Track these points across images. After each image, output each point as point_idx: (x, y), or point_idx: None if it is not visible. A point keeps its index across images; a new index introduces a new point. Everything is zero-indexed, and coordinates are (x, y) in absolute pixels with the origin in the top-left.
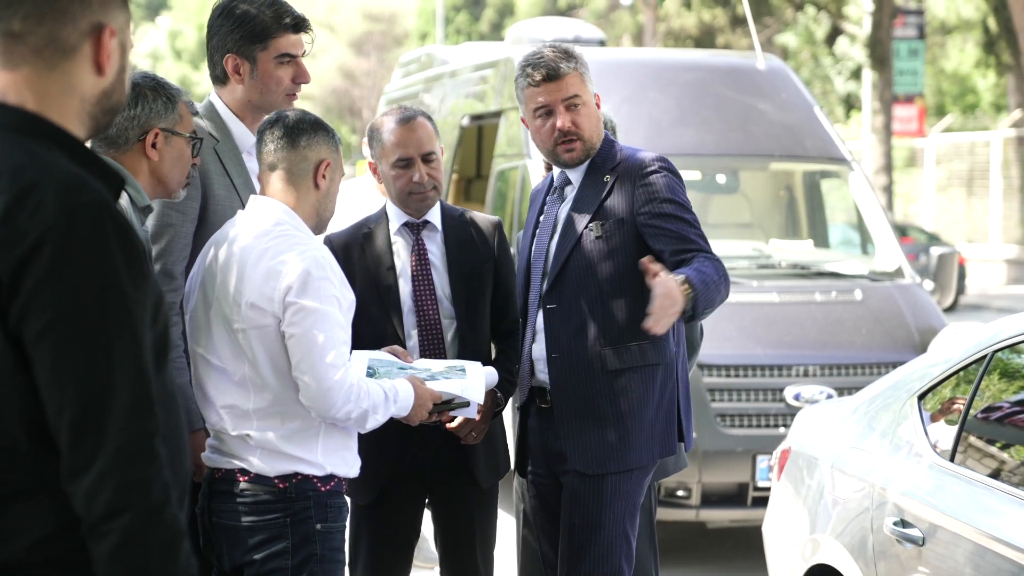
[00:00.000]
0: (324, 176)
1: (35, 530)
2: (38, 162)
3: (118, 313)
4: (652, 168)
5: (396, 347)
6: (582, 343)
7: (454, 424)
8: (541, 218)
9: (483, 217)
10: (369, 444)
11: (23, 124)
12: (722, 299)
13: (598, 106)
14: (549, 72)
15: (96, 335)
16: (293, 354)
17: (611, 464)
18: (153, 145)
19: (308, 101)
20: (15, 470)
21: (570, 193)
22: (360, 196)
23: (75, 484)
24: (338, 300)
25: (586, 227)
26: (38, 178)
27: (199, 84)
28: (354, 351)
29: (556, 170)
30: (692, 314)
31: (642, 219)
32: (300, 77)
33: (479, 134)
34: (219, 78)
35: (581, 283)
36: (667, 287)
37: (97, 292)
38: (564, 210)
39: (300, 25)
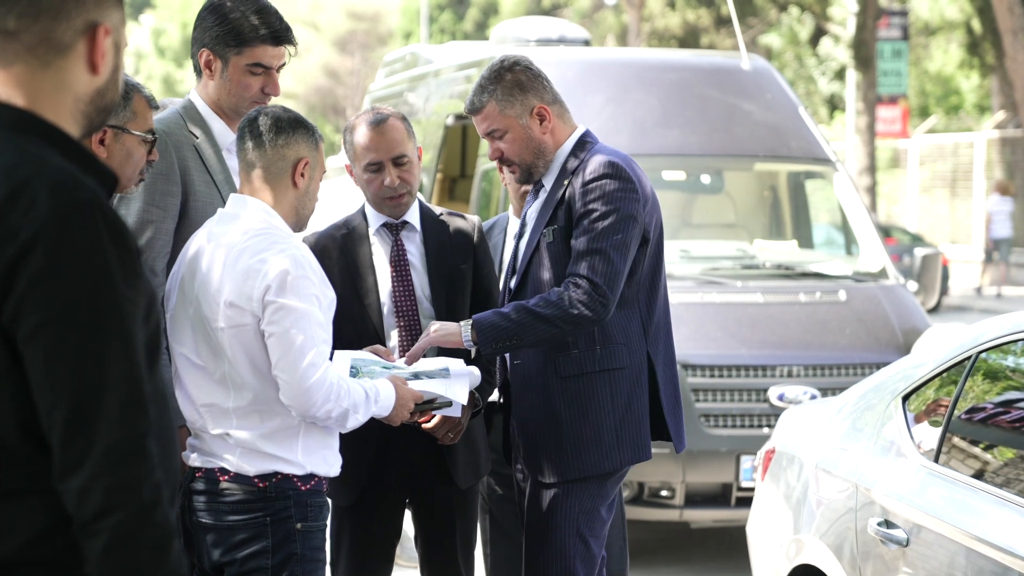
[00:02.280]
0: (303, 175)
1: (25, 530)
2: (31, 160)
3: (111, 312)
4: (592, 177)
5: (378, 347)
6: (539, 349)
7: (431, 424)
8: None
9: (462, 217)
10: (349, 445)
11: (16, 122)
12: (548, 331)
13: (544, 117)
14: (467, 107)
15: (89, 334)
16: (272, 353)
17: (568, 471)
18: (101, 142)
19: (292, 100)
20: (6, 469)
21: (542, 194)
22: (343, 194)
23: (66, 483)
24: (318, 299)
25: (542, 232)
26: (31, 176)
27: (182, 82)
28: (336, 351)
29: None
30: (484, 346)
31: (573, 233)
32: (269, 88)
33: (463, 134)
34: (197, 71)
35: (537, 288)
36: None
37: (90, 291)
38: (533, 210)
39: (281, 38)
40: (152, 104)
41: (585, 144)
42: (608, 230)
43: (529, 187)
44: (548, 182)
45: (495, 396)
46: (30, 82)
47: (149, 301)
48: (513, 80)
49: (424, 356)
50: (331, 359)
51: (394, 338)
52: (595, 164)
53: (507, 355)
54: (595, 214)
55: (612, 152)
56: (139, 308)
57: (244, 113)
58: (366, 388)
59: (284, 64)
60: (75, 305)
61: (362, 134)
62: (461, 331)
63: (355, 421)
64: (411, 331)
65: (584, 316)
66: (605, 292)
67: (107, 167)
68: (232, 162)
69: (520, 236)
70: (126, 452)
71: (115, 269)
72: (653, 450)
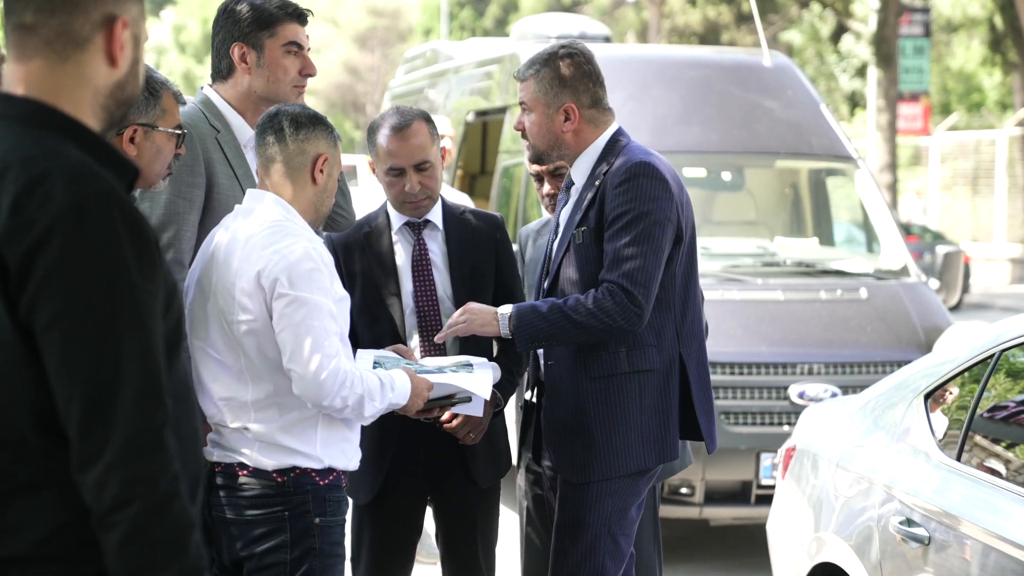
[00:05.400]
0: (322, 171)
1: (42, 524)
2: (49, 153)
3: (127, 303)
4: (623, 177)
5: (401, 346)
6: (570, 349)
7: (453, 424)
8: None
9: (485, 215)
10: (369, 444)
11: (33, 115)
12: (581, 336)
13: (570, 117)
14: (517, 72)
15: (105, 325)
16: (284, 346)
17: (595, 471)
18: (132, 140)
19: (312, 96)
20: (23, 463)
21: (574, 194)
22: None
23: (84, 475)
24: (329, 291)
25: (573, 233)
26: (48, 169)
27: (202, 79)
28: (360, 350)
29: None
30: (520, 343)
31: (605, 235)
32: (306, 69)
33: (484, 130)
34: (222, 72)
35: (569, 289)
36: (470, 307)
37: (105, 281)
38: (566, 210)
39: (304, 16)
40: (180, 100)
41: (617, 143)
42: (642, 234)
43: (541, 167)
44: (579, 181)
45: (528, 395)
46: (49, 76)
47: (169, 293)
48: (558, 71)
49: (446, 355)
50: (354, 358)
51: (415, 338)
52: (626, 164)
53: (541, 355)
54: (628, 216)
55: (643, 151)
56: (157, 300)
57: (286, 100)
58: (381, 376)
59: (308, 48)
60: (90, 296)
61: (385, 138)
62: (499, 323)
63: (373, 409)
64: (432, 331)
65: (618, 326)
66: (640, 302)
67: (127, 159)
68: (250, 157)
69: (554, 237)
70: (142, 444)
71: (131, 260)
72: None
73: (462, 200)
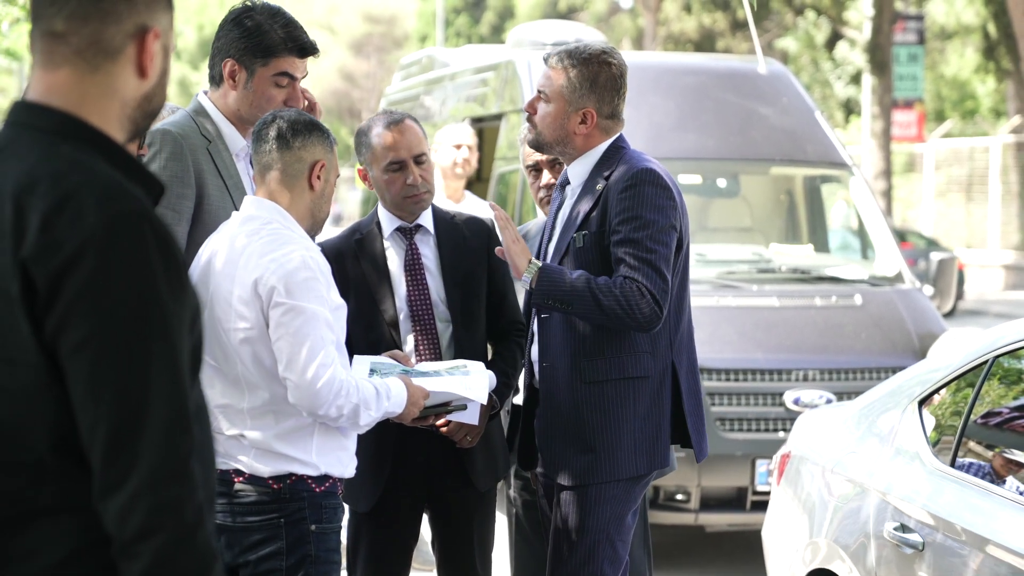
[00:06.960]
0: (319, 177)
1: (60, 548)
2: (78, 168)
3: (157, 327)
4: (628, 184)
5: (397, 352)
6: (566, 353)
7: (449, 427)
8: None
9: (476, 219)
10: (367, 452)
11: (62, 127)
12: (596, 315)
13: (587, 121)
14: (544, 56)
15: (134, 350)
16: (280, 354)
17: (587, 476)
18: None
19: None
20: (41, 486)
21: (569, 194)
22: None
23: (107, 502)
24: (326, 300)
25: (573, 236)
26: (78, 185)
27: (198, 85)
28: (356, 356)
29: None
30: (537, 295)
31: (611, 240)
32: (292, 101)
33: (480, 137)
34: (215, 79)
35: None
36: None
37: (136, 305)
38: (562, 211)
39: (307, 51)
40: None
41: (618, 149)
42: (655, 242)
43: (540, 157)
44: (575, 181)
45: (517, 399)
46: (77, 86)
47: (194, 313)
48: (593, 74)
49: (441, 359)
50: (350, 365)
51: (410, 343)
52: (633, 170)
53: (535, 359)
54: (638, 221)
55: (644, 159)
56: (184, 322)
57: None
58: (376, 385)
59: (305, 75)
60: (121, 320)
61: (380, 134)
62: (526, 269)
63: (368, 418)
64: (427, 335)
65: (636, 321)
66: (664, 306)
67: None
68: (242, 167)
69: (549, 239)
70: (169, 472)
71: (162, 282)
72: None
73: (484, 210)
